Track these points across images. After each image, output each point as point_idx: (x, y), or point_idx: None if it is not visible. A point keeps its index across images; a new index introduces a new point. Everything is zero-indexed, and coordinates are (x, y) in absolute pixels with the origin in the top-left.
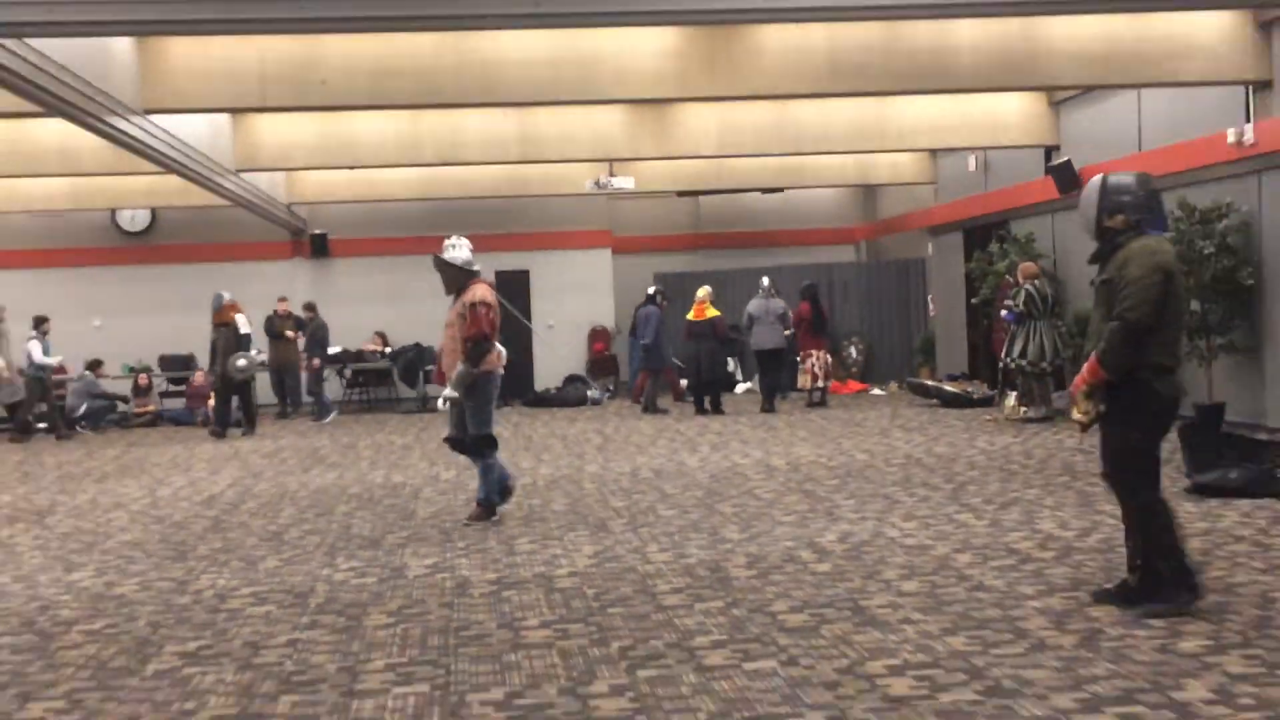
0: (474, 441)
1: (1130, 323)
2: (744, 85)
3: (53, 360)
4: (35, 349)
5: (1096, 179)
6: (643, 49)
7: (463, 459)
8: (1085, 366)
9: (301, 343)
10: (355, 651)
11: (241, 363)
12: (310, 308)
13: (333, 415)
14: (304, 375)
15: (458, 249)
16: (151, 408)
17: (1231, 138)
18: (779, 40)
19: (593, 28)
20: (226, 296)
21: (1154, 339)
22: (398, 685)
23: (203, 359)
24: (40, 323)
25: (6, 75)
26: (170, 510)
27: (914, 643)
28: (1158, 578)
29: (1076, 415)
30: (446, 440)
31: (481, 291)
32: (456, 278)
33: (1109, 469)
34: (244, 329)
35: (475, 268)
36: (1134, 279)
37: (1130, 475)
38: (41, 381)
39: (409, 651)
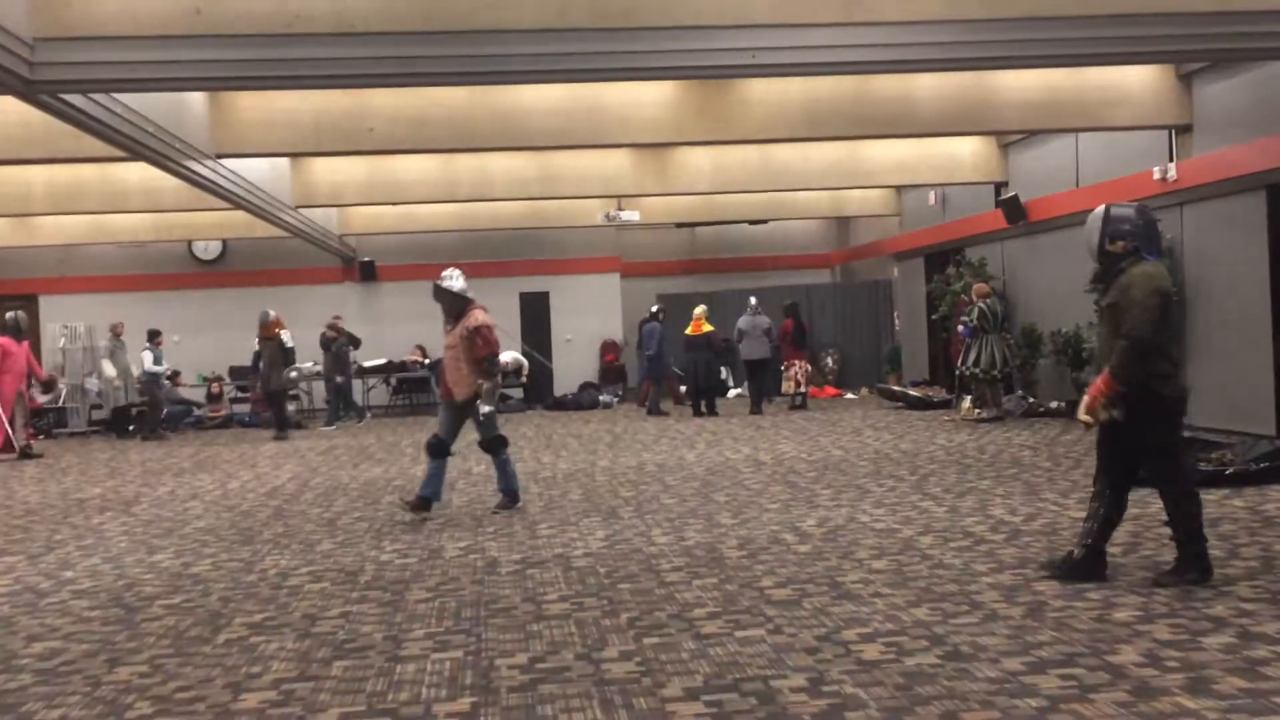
0: (488, 444)
1: (1137, 340)
2: (733, 131)
3: (162, 368)
4: (146, 358)
5: (1100, 209)
6: (645, 100)
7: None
8: (1100, 379)
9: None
10: (399, 622)
11: (294, 374)
12: (335, 327)
13: (338, 424)
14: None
15: (454, 279)
16: (224, 412)
17: (1157, 175)
18: (763, 92)
19: (602, 82)
20: (272, 314)
21: (1156, 351)
22: (436, 651)
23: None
24: (153, 336)
25: (97, 125)
26: (239, 500)
27: (883, 614)
28: (1100, 556)
29: (1084, 417)
30: (430, 442)
31: (481, 316)
32: (454, 304)
33: (1153, 474)
34: (289, 343)
35: (470, 294)
36: (1137, 302)
37: (1171, 477)
38: (152, 387)
39: (445, 622)
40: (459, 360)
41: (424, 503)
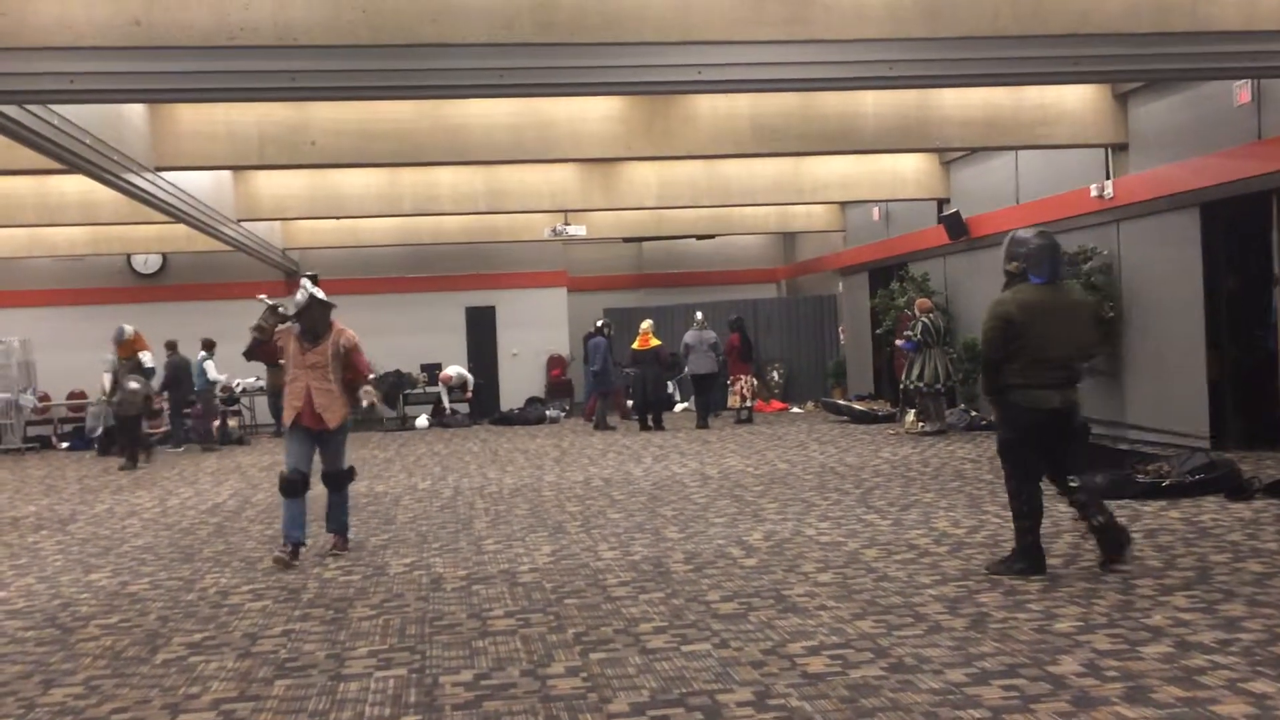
0: (339, 476)
1: (982, 358)
2: (680, 146)
3: (222, 378)
4: (210, 367)
5: (1010, 233)
6: (592, 115)
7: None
8: None
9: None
10: (342, 640)
11: (134, 385)
12: (171, 346)
13: (184, 448)
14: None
15: (319, 290)
16: (164, 428)
17: (1094, 192)
18: (709, 108)
19: (549, 97)
20: (130, 330)
21: (1009, 366)
22: (379, 669)
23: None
24: (209, 346)
25: (34, 137)
26: (178, 518)
27: (829, 626)
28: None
29: None
30: (286, 479)
31: (351, 333)
32: (325, 319)
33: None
34: (148, 364)
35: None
36: (984, 325)
37: (1005, 466)
38: (208, 396)
39: (389, 640)
40: (328, 381)
41: (294, 553)
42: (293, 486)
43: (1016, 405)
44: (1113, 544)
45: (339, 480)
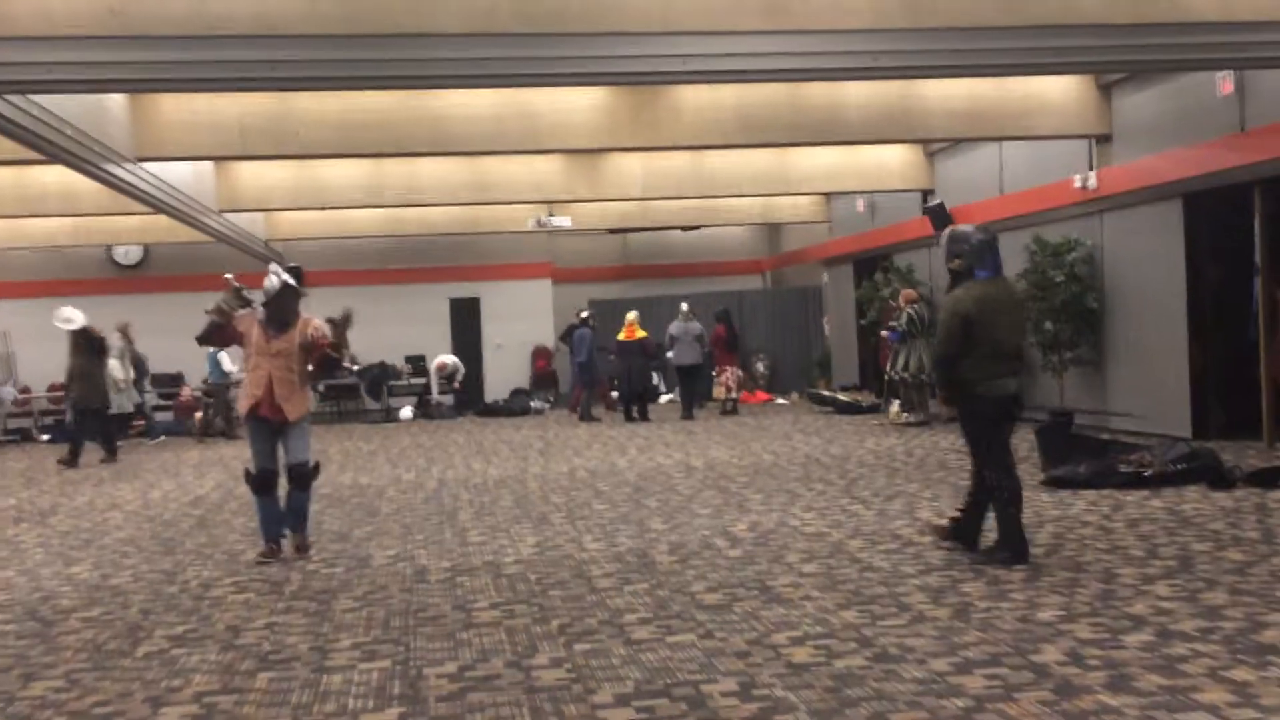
0: (306, 473)
1: (938, 356)
2: (665, 137)
3: (235, 369)
4: (225, 359)
5: (949, 229)
6: (577, 105)
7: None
8: None
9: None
10: (325, 633)
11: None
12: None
13: (161, 437)
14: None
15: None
16: (145, 420)
17: (1078, 183)
18: (695, 99)
19: (533, 87)
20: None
21: (965, 361)
22: (363, 661)
23: (191, 378)
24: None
25: (12, 127)
26: (161, 510)
27: (813, 617)
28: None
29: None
30: (256, 477)
31: (319, 322)
32: (295, 307)
33: (973, 458)
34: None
35: None
36: (941, 323)
37: (975, 458)
38: (221, 389)
39: (373, 632)
40: (290, 372)
41: (277, 547)
42: (265, 484)
43: (982, 398)
44: (967, 538)
45: (305, 477)
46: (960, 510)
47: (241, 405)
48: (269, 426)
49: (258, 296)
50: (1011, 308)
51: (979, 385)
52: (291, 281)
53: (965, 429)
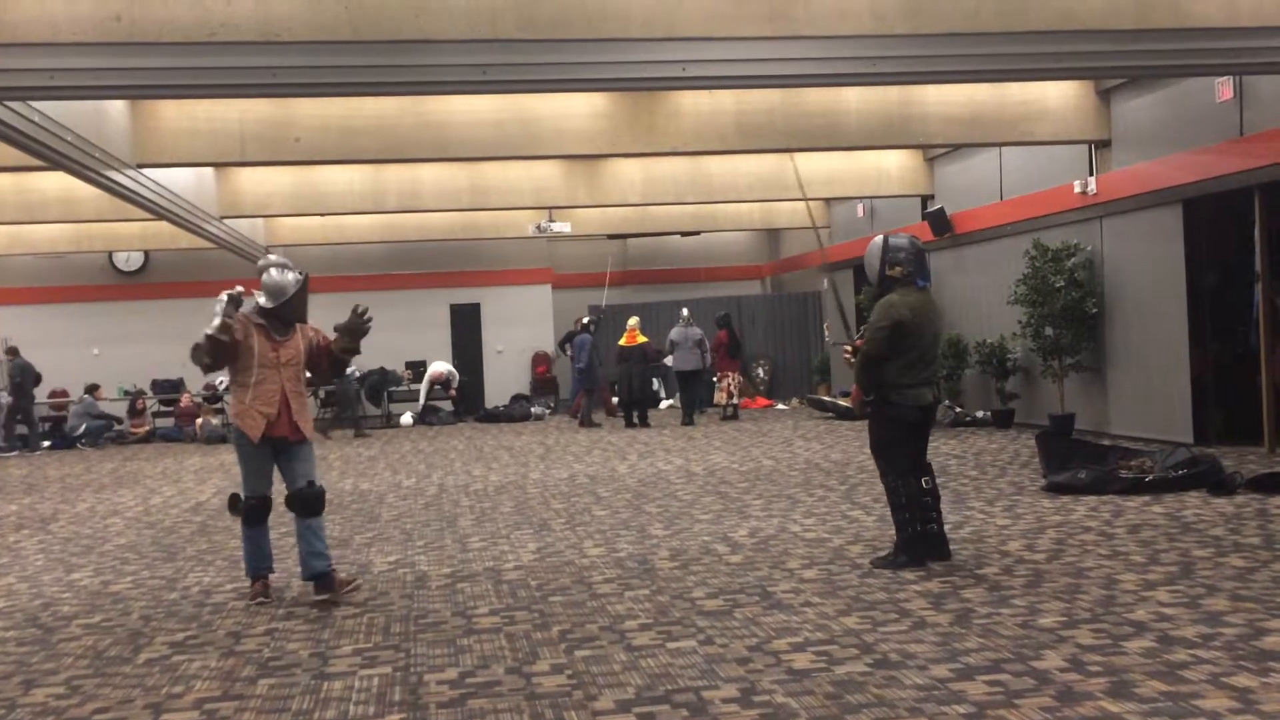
0: (313, 497)
1: (865, 356)
2: (664, 143)
3: (351, 368)
4: None
5: (879, 238)
6: (577, 111)
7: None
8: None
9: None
10: (326, 639)
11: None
12: (12, 351)
13: (40, 449)
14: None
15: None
16: (146, 426)
17: (1077, 188)
18: (694, 105)
19: (533, 93)
20: None
21: (892, 365)
22: (364, 668)
23: (191, 384)
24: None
25: (13, 133)
26: (161, 516)
27: (814, 623)
28: (933, 537)
29: (855, 407)
30: (252, 505)
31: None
32: (303, 310)
33: (874, 457)
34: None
35: None
36: (872, 324)
37: (880, 463)
38: (345, 384)
39: (374, 638)
40: (301, 383)
41: (267, 584)
42: (262, 513)
43: (900, 404)
44: (935, 551)
45: (316, 501)
46: (917, 524)
47: (251, 428)
48: (271, 447)
49: (237, 302)
50: (936, 319)
51: (901, 391)
52: (305, 279)
53: (875, 432)
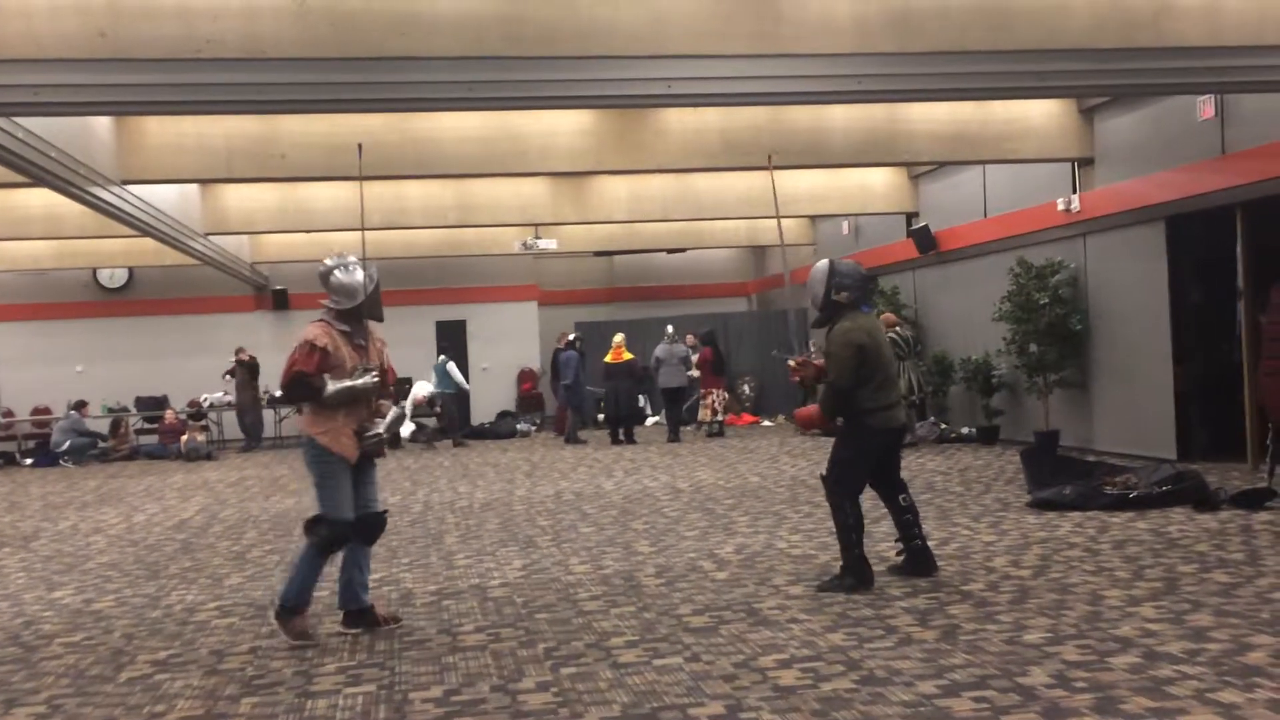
0: (385, 521)
1: (837, 388)
2: (650, 160)
3: (465, 383)
4: (454, 370)
5: (824, 263)
6: (563, 128)
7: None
8: (815, 411)
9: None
10: (310, 657)
11: None
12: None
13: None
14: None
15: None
16: (129, 444)
17: (1061, 206)
18: (680, 122)
19: (520, 110)
20: None
21: (861, 391)
22: (348, 686)
23: (175, 400)
24: (445, 351)
25: None
26: (144, 534)
27: (800, 639)
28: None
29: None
30: (340, 531)
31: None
32: (380, 306)
33: (826, 473)
34: None
35: None
36: (834, 355)
37: (833, 481)
38: (454, 396)
39: (358, 656)
40: (384, 389)
41: (362, 615)
42: (345, 541)
43: (870, 427)
44: (922, 567)
45: (381, 529)
46: (901, 542)
47: (347, 447)
48: (353, 467)
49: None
50: (886, 343)
51: (874, 415)
52: (375, 276)
53: (838, 451)
